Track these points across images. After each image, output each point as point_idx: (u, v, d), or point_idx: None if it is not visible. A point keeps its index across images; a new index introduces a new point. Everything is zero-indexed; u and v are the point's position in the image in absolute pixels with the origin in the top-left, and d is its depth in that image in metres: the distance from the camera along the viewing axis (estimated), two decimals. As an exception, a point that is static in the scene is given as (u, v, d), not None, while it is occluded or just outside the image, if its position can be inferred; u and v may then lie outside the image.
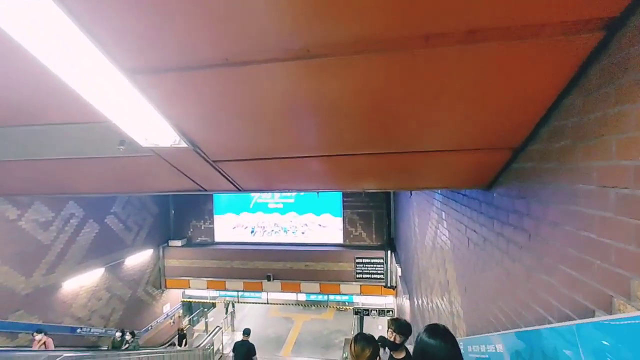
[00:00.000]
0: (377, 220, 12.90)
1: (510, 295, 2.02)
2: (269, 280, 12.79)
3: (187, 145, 1.88)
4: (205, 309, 16.71)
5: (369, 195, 12.86)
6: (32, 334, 7.36)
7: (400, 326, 3.09)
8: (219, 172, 2.24)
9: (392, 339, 3.08)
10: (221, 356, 13.81)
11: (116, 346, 8.99)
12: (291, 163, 2.08)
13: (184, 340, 12.01)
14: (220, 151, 2.01)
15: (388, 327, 3.23)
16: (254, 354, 8.10)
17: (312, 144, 1.88)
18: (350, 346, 2.28)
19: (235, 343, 8.37)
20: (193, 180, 2.44)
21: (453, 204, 3.39)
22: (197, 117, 1.70)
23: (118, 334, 9.14)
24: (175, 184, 2.54)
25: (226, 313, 15.86)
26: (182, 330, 11.42)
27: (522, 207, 1.84)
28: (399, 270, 9.70)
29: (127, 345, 8.98)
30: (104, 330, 10.51)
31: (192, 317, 16.42)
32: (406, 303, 8.13)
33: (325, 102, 1.48)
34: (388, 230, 12.66)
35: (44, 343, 7.28)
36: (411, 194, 3.02)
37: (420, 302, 5.91)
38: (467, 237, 2.88)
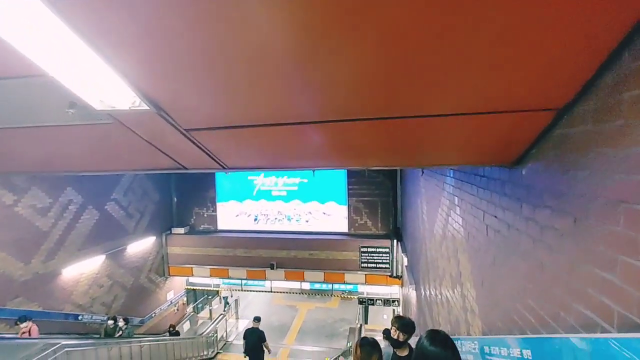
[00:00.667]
0: (383, 208, 12.55)
1: (544, 292, 1.66)
2: (272, 268, 12.59)
3: (148, 108, 1.53)
4: (210, 297, 16.65)
5: (375, 182, 12.48)
6: (16, 322, 7.09)
7: (404, 324, 3.09)
8: (196, 144, 1.89)
9: (395, 337, 3.06)
10: (225, 343, 13.78)
11: (109, 333, 8.83)
12: (279, 133, 1.73)
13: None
14: (191, 117, 1.66)
15: (392, 325, 3.23)
16: (264, 340, 8.40)
17: (303, 107, 1.52)
18: (355, 350, 2.20)
19: (246, 330, 8.57)
20: (168, 156, 2.10)
21: (468, 188, 3.02)
22: (157, 70, 1.34)
23: (110, 322, 8.93)
24: (150, 161, 2.21)
25: (222, 302, 15.65)
26: (173, 327, 11.19)
27: (564, 185, 1.47)
28: (405, 260, 9.38)
29: (120, 333, 8.77)
30: (105, 318, 10.44)
31: (197, 305, 16.38)
32: (412, 294, 7.83)
33: (321, 49, 1.11)
34: (394, 219, 12.31)
35: (29, 331, 7.02)
36: (422, 173, 2.66)
37: (427, 293, 5.59)
38: (486, 224, 2.52)
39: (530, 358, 1.74)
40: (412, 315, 8.00)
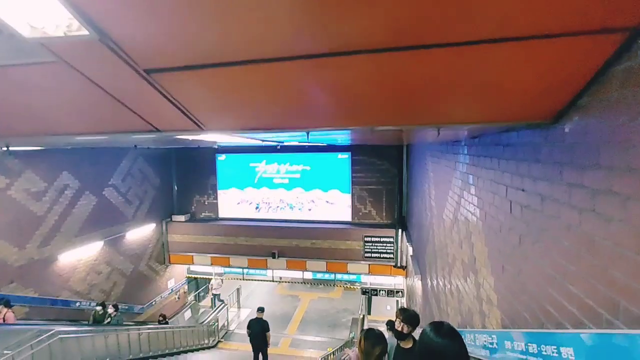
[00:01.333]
0: (387, 197, 12.18)
1: (595, 275, 1.31)
2: (274, 257, 12.35)
3: (88, 33, 1.17)
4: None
5: (380, 170, 12.09)
6: None
7: (409, 317, 3.07)
8: (161, 93, 1.54)
9: (399, 329, 3.05)
10: (226, 332, 13.66)
11: (98, 320, 8.58)
12: (263, 75, 1.38)
13: None
14: (150, 50, 1.30)
15: (396, 317, 3.22)
16: (268, 330, 8.61)
17: (289, 35, 1.16)
18: (360, 342, 2.16)
19: (250, 320, 8.70)
20: (134, 112, 1.76)
21: (487, 162, 2.66)
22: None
23: (99, 307, 8.65)
24: (115, 120, 1.87)
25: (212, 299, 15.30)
26: (164, 317, 10.79)
27: (634, 133, 1.10)
28: (410, 249, 9.05)
29: (109, 320, 8.55)
30: (94, 304, 10.27)
31: (198, 293, 16.26)
32: (418, 284, 7.52)
33: None
34: (399, 208, 11.95)
35: (4, 317, 6.75)
36: (439, 133, 2.29)
37: (435, 283, 5.27)
38: (510, 200, 2.16)
39: (572, 357, 1.40)
40: (418, 306, 7.70)
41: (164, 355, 9.88)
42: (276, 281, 14.17)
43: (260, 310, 8.89)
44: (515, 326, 2.09)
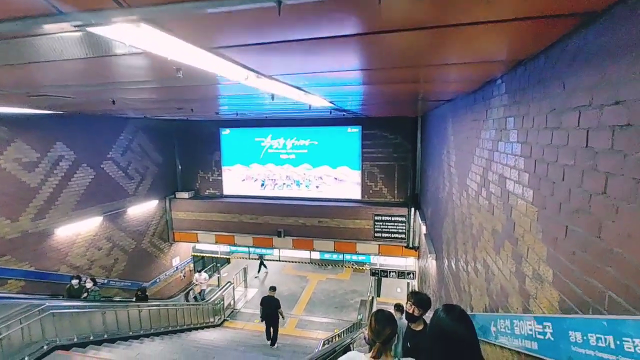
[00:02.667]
0: (400, 173, 11.43)
1: None
2: (279, 236, 11.87)
3: None
4: (219, 265, 16.29)
5: (392, 144, 11.31)
6: None
7: (421, 300, 3.13)
8: None
9: (410, 311, 3.10)
10: (232, 311, 13.43)
11: (74, 295, 8.13)
12: None
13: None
14: None
15: (407, 300, 3.28)
16: (279, 307, 9.13)
17: None
18: (370, 323, 2.16)
19: (263, 297, 9.21)
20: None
21: (540, 90, 1.95)
22: None
23: (75, 281, 8.17)
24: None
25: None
26: (143, 291, 9.66)
27: None
28: (424, 228, 8.38)
29: (86, 295, 8.13)
30: (105, 281, 10.06)
31: (204, 271, 16.04)
32: (432, 264, 6.89)
33: None
34: (412, 185, 11.21)
35: None
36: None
37: (453, 262, 4.62)
38: (587, 127, 1.46)
39: None
40: (431, 288, 7.10)
41: (166, 333, 9.64)
42: (283, 261, 13.76)
43: (272, 289, 9.29)
44: (588, 311, 1.42)
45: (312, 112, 8.46)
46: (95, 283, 8.33)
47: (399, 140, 11.22)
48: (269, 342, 9.40)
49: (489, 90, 2.98)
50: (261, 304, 9.17)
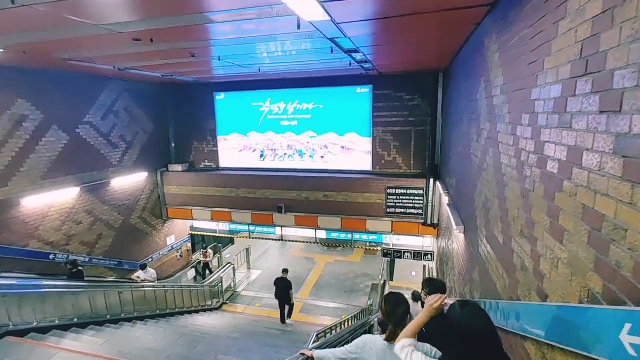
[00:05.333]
0: (417, 140, 9.90)
1: None
2: (280, 212, 10.62)
3: None
4: (220, 245, 15.28)
5: (409, 107, 9.74)
6: None
7: (435, 289, 2.96)
8: None
9: (425, 300, 2.58)
10: (233, 294, 12.43)
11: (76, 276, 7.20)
12: None
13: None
14: None
15: (422, 288, 3.26)
16: (291, 288, 9.68)
17: None
18: (381, 306, 2.15)
19: (276, 279, 9.73)
20: None
21: None
22: None
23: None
24: None
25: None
26: (74, 265, 7.96)
27: None
28: (446, 199, 6.94)
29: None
30: (87, 258, 9.10)
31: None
32: (458, 240, 5.49)
33: None
34: (432, 154, 9.67)
35: None
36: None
37: (495, 234, 3.21)
38: None
39: None
40: (456, 269, 5.72)
41: (152, 317, 8.65)
42: (285, 240, 12.58)
43: (285, 271, 9.83)
44: None
45: (313, 62, 7.00)
46: (75, 267, 7.67)
47: (416, 101, 9.64)
48: (281, 324, 9.83)
49: None
50: (275, 283, 9.74)
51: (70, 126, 8.55)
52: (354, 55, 6.38)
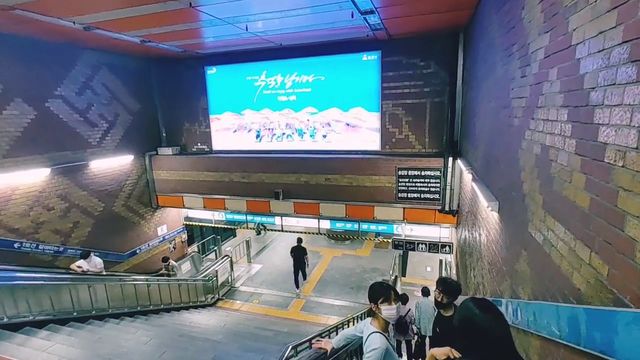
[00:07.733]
0: (433, 114, 8.54)
1: None
2: (277, 198, 9.47)
3: None
4: (218, 236, 14.27)
5: (423, 76, 8.39)
6: None
7: (449, 289, 3.09)
8: None
9: (439, 299, 3.11)
10: (230, 289, 11.40)
11: None
12: None
13: None
14: None
15: (436, 287, 3.22)
16: (306, 254, 10.66)
17: None
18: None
19: (292, 247, 10.61)
20: None
21: None
22: None
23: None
24: None
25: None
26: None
27: None
28: (469, 175, 5.64)
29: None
30: (60, 248, 8.17)
31: (203, 243, 14.10)
32: (489, 223, 4.20)
33: None
34: (450, 129, 8.30)
35: None
36: None
37: (572, 201, 1.95)
38: None
39: None
40: (485, 260, 4.44)
41: (131, 314, 7.66)
42: (286, 231, 11.42)
43: (299, 240, 10.80)
44: None
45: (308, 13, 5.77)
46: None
47: (432, 68, 8.28)
48: (297, 290, 10.73)
49: None
50: (291, 252, 10.58)
51: (37, 99, 7.59)
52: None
